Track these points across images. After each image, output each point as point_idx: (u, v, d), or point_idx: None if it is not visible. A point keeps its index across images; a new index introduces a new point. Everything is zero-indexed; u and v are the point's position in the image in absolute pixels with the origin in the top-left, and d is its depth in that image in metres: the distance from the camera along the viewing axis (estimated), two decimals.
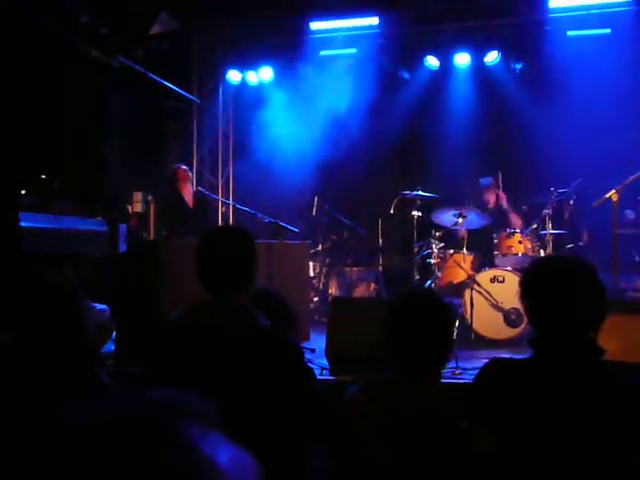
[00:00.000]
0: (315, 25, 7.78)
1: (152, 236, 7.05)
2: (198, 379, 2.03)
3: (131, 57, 6.77)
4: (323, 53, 8.00)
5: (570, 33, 7.34)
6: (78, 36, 6.24)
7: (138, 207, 7.31)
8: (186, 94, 7.98)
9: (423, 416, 1.91)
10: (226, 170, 8.78)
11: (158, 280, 4.72)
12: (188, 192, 6.60)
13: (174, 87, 7.61)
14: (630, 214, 7.06)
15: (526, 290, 2.04)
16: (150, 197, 7.16)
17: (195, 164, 8.50)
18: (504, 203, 6.88)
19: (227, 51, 8.25)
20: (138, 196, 7.35)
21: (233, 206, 8.03)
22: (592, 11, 7.20)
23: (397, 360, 2.04)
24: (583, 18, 7.27)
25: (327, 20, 7.79)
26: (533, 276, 2.07)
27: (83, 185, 6.98)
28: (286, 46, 8.06)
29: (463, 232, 6.50)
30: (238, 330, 2.14)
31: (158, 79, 7.27)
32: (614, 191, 5.29)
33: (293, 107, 8.33)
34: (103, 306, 4.73)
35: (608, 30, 7.24)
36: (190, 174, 6.76)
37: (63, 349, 2.06)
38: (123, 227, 6.23)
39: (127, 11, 6.63)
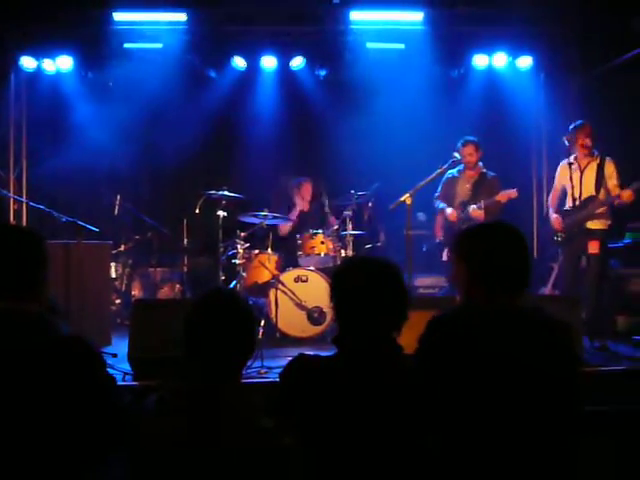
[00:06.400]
0: (119, 16, 7.43)
1: None
2: None
3: None
4: (127, 45, 7.67)
5: (369, 45, 7.75)
6: None
7: None
8: None
9: (223, 420, 1.87)
10: (18, 164, 8.11)
11: None
12: None
13: None
14: (422, 216, 7.65)
15: (334, 289, 2.13)
16: None
17: None
18: (325, 203, 7.10)
19: (20, 35, 7.59)
20: None
21: (26, 204, 7.45)
22: (388, 27, 7.67)
23: (196, 363, 1.98)
24: (380, 32, 7.71)
25: (132, 12, 7.47)
26: (341, 275, 2.16)
27: None
28: (87, 35, 7.60)
29: (268, 232, 6.59)
30: (30, 340, 1.95)
31: None
32: (408, 195, 5.67)
33: (94, 99, 7.91)
34: None
35: (402, 45, 7.76)
36: None
37: None
38: None
39: None
